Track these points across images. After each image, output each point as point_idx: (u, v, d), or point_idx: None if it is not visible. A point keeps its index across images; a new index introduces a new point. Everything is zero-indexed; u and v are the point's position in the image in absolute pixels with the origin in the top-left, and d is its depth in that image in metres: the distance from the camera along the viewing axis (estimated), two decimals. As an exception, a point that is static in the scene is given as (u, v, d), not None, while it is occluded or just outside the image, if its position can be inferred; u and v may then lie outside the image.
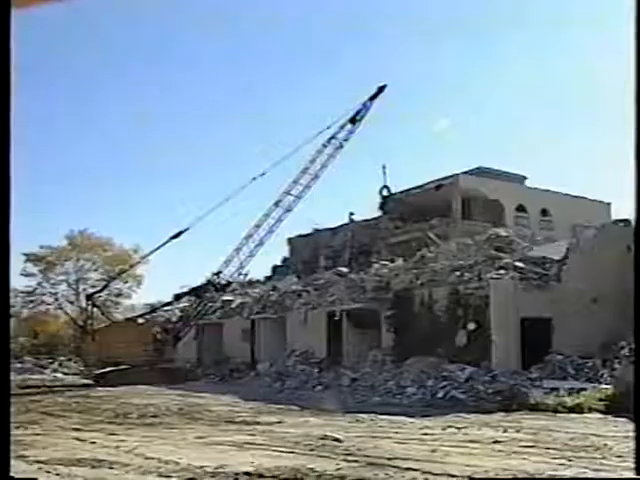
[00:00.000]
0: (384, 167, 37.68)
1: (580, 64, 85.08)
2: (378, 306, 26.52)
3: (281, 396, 23.24)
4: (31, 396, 23.72)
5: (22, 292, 50.19)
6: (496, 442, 11.54)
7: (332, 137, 30.93)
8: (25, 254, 49.60)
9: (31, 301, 51.52)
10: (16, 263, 45.48)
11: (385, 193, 38.60)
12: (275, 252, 49.00)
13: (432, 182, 41.06)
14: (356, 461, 9.88)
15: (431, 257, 29.35)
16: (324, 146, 30.94)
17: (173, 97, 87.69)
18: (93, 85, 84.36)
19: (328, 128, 30.80)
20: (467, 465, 9.38)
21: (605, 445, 10.96)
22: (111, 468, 9.60)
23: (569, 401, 16.80)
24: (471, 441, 11.82)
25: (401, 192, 42.07)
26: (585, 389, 18.26)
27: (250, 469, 9.25)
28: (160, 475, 9.08)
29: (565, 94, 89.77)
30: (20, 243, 41.43)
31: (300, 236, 48.74)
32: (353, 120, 31.11)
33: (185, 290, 34.06)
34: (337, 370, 26.09)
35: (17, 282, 47.69)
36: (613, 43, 64.75)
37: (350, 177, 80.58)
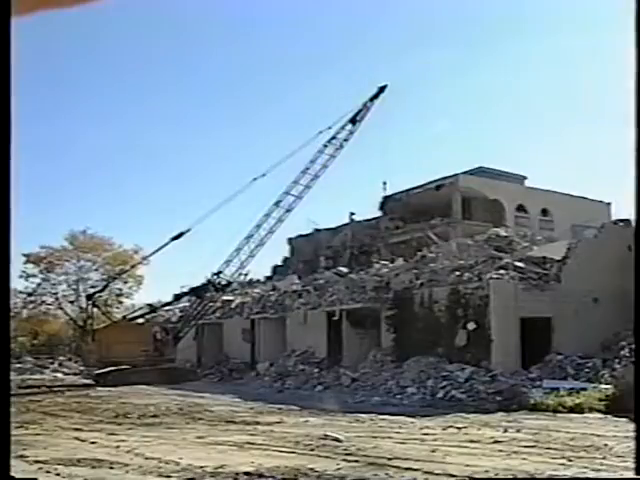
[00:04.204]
0: (384, 183, 38.40)
1: (580, 64, 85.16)
2: (378, 306, 26.50)
3: (281, 396, 23.24)
4: (31, 396, 23.72)
5: (22, 292, 50.14)
6: (496, 442, 11.54)
7: (333, 137, 30.97)
8: (25, 254, 49.52)
9: (31, 301, 51.45)
10: (16, 263, 45.46)
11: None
12: (275, 252, 49.05)
13: (432, 182, 41.00)
14: (356, 461, 9.89)
15: (431, 257, 29.30)
16: (324, 146, 30.98)
17: (173, 98, 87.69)
18: (94, 86, 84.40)
19: (329, 128, 30.89)
20: (467, 465, 9.39)
21: (605, 445, 10.96)
22: (111, 468, 9.61)
23: (569, 401, 16.79)
24: (471, 441, 11.82)
25: (401, 192, 42.07)
26: (585, 389, 18.24)
27: (250, 469, 9.26)
28: (160, 475, 9.09)
29: (565, 94, 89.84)
30: (20, 243, 41.36)
31: (300, 236, 48.71)
32: (353, 120, 31.14)
33: (185, 290, 34.01)
34: (337, 370, 26.08)
35: (17, 283, 47.68)
36: (613, 43, 64.84)
37: (350, 177, 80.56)
